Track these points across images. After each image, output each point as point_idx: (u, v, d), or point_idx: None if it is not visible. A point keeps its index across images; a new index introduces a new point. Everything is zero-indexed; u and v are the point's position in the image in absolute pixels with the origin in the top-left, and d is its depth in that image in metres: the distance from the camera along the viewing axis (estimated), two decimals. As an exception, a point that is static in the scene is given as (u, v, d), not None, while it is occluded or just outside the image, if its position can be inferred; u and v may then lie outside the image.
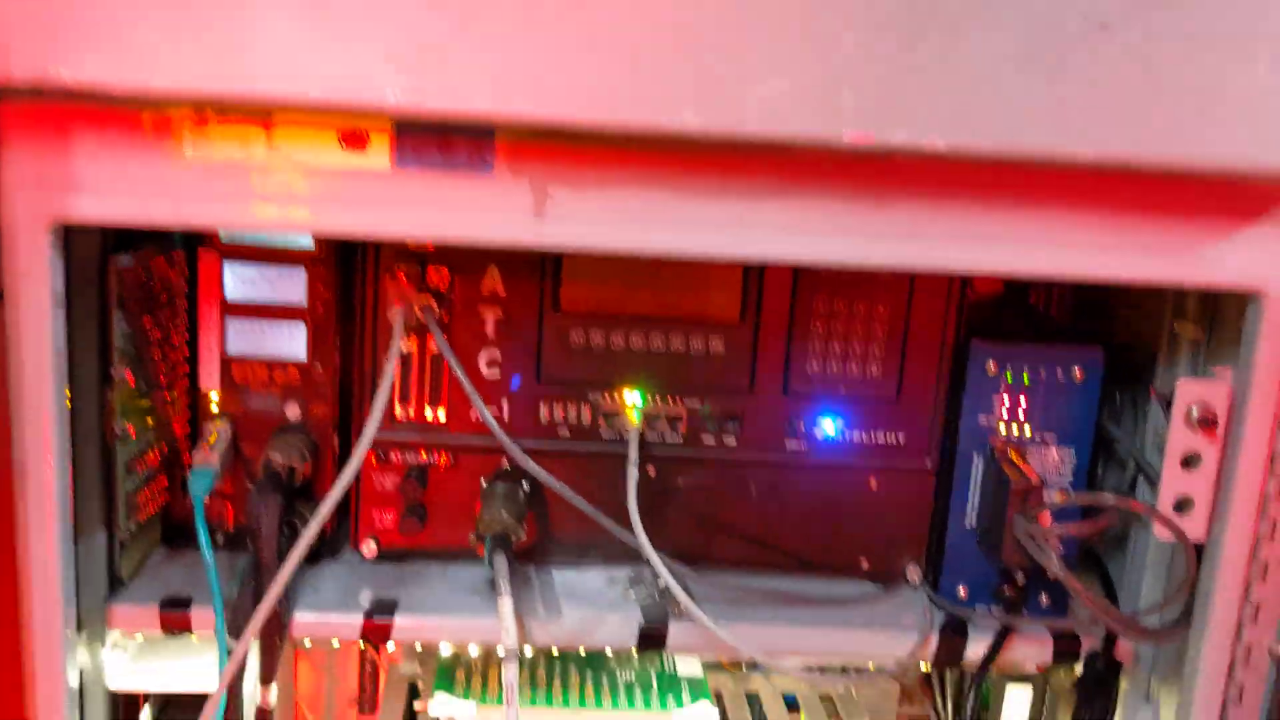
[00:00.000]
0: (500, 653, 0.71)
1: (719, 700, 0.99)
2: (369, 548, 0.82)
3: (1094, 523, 0.72)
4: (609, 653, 0.95)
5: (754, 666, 1.08)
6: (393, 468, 0.82)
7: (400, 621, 0.76)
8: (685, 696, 0.90)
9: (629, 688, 0.91)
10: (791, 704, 1.02)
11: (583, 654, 0.95)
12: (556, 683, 0.90)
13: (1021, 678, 0.89)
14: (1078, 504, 0.77)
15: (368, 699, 1.08)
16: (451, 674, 0.90)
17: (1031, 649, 0.80)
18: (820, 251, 0.67)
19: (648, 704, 0.89)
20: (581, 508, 0.78)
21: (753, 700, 1.01)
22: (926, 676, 1.09)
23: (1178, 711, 0.75)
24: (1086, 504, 0.77)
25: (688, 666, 0.95)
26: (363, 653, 1.07)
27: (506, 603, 0.72)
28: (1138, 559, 0.81)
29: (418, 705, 0.91)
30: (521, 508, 0.80)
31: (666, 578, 0.75)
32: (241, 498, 0.81)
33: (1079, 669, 0.80)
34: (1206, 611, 0.71)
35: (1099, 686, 0.78)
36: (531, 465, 0.77)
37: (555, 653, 0.94)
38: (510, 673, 0.71)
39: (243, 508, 0.81)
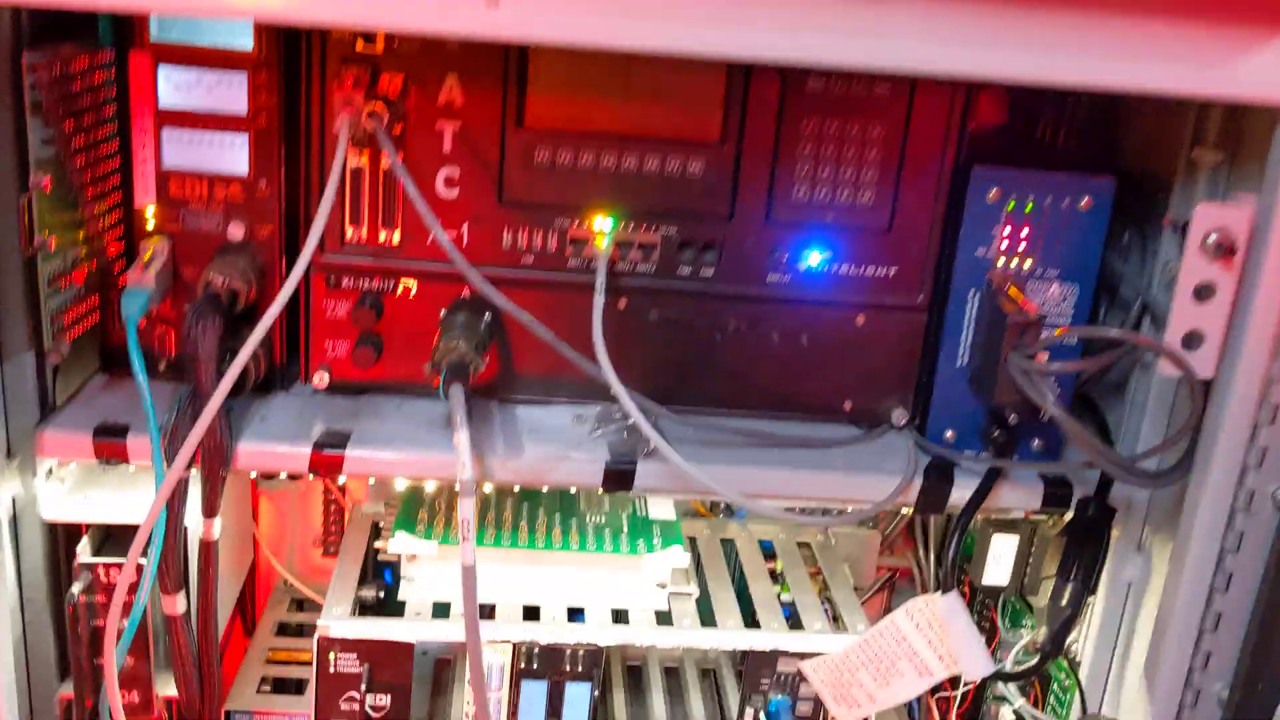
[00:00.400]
0: (458, 489, 0.67)
1: (693, 546, 0.96)
2: (320, 379, 0.77)
3: (1095, 360, 0.67)
4: (579, 497, 0.91)
5: (730, 513, 1.04)
6: (344, 294, 0.76)
7: (352, 454, 0.72)
8: (657, 540, 0.86)
9: (598, 531, 0.87)
10: (768, 551, 0.98)
11: (550, 495, 0.91)
12: (523, 525, 0.86)
13: (1007, 526, 0.85)
14: (1079, 338, 0.72)
15: (332, 541, 1.04)
16: (414, 514, 0.86)
17: (1020, 494, 0.75)
18: (813, 50, 0.60)
19: (617, 547, 0.85)
20: (544, 338, 0.72)
21: (728, 547, 0.98)
22: (909, 527, 1.06)
23: (1171, 561, 0.71)
24: (1088, 338, 0.72)
25: (661, 510, 0.91)
26: (327, 493, 1.03)
27: (462, 435, 0.67)
28: (1137, 403, 0.77)
29: (378, 545, 0.88)
30: (482, 338, 0.75)
31: (632, 412, 0.70)
32: (183, 324, 0.76)
33: (1069, 516, 0.76)
34: (1210, 455, 0.66)
35: (1090, 533, 0.74)
36: (491, 291, 0.72)
37: (522, 495, 0.91)
38: (466, 508, 0.67)
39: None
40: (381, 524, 0.94)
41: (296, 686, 0.92)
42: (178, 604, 0.71)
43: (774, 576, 0.96)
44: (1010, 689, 0.82)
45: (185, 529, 0.72)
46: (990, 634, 0.93)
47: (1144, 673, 0.72)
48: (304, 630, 1.00)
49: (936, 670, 0.71)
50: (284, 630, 1.00)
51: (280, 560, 1.04)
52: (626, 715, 0.94)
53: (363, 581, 0.87)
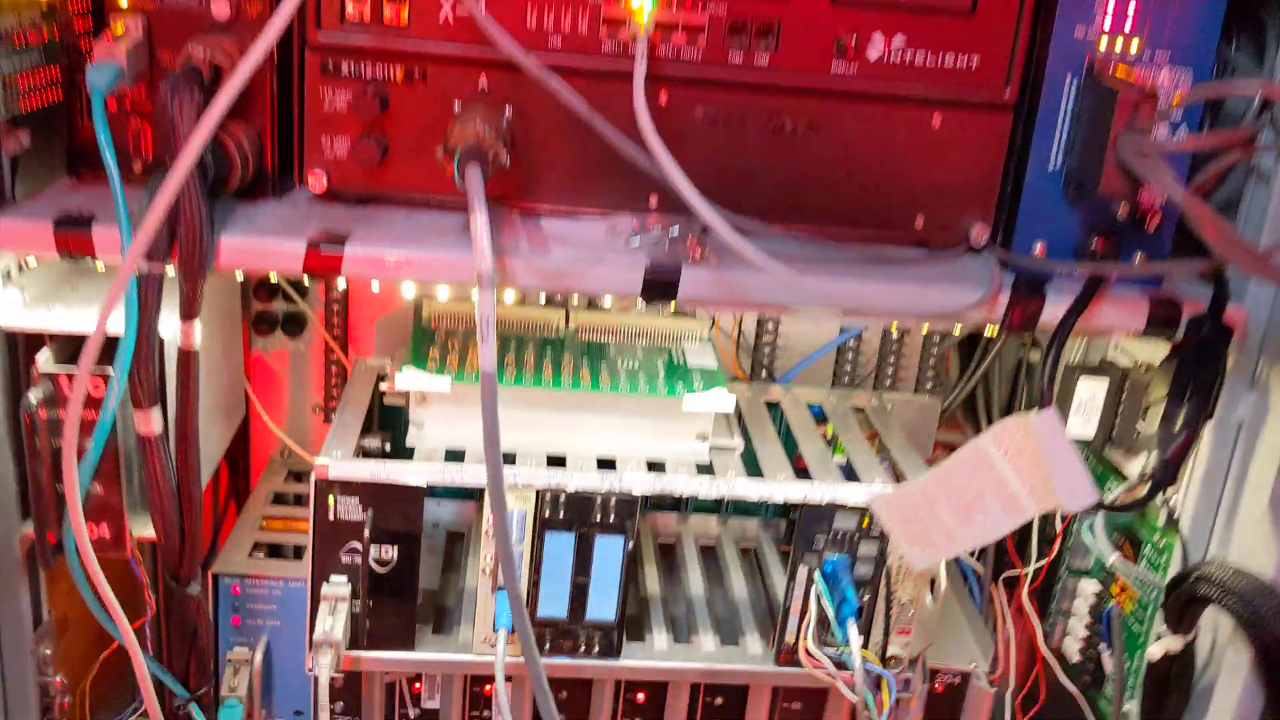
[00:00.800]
0: (475, 285, 0.58)
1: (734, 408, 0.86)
2: (317, 181, 0.67)
3: (1221, 134, 0.57)
4: (609, 346, 0.82)
5: (771, 377, 0.95)
6: (343, 82, 0.66)
7: (353, 252, 0.62)
8: (697, 385, 0.77)
9: (631, 375, 0.78)
10: (817, 417, 0.89)
11: (576, 342, 0.82)
12: (547, 366, 0.77)
13: (1096, 370, 0.75)
14: (1207, 99, 0.61)
15: (333, 407, 0.95)
16: (423, 352, 0.77)
17: (1122, 313, 0.66)
18: None
19: (653, 389, 0.76)
20: (580, 112, 0.62)
21: (773, 411, 0.88)
22: (968, 402, 0.97)
23: (1302, 381, 0.61)
24: (1220, 96, 0.61)
25: (700, 357, 0.82)
26: (328, 353, 0.94)
27: (480, 218, 0.58)
28: (1252, 220, 0.67)
29: (384, 387, 0.79)
30: (504, 131, 0.65)
31: (687, 193, 0.59)
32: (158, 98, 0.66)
33: (1175, 342, 0.66)
34: (1361, 243, 0.56)
35: (1204, 355, 0.64)
36: (522, 55, 0.62)
37: (543, 342, 0.81)
38: (485, 303, 0.57)
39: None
40: (387, 376, 0.84)
41: (294, 552, 0.83)
42: (153, 421, 0.62)
43: (825, 442, 0.86)
44: (1102, 544, 0.73)
45: (161, 340, 0.63)
46: (1067, 501, 0.83)
47: (1268, 510, 0.62)
48: (301, 501, 0.91)
49: (1028, 506, 0.61)
50: (280, 500, 0.91)
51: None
52: (660, 591, 0.85)
53: (366, 432, 0.77)
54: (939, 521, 0.63)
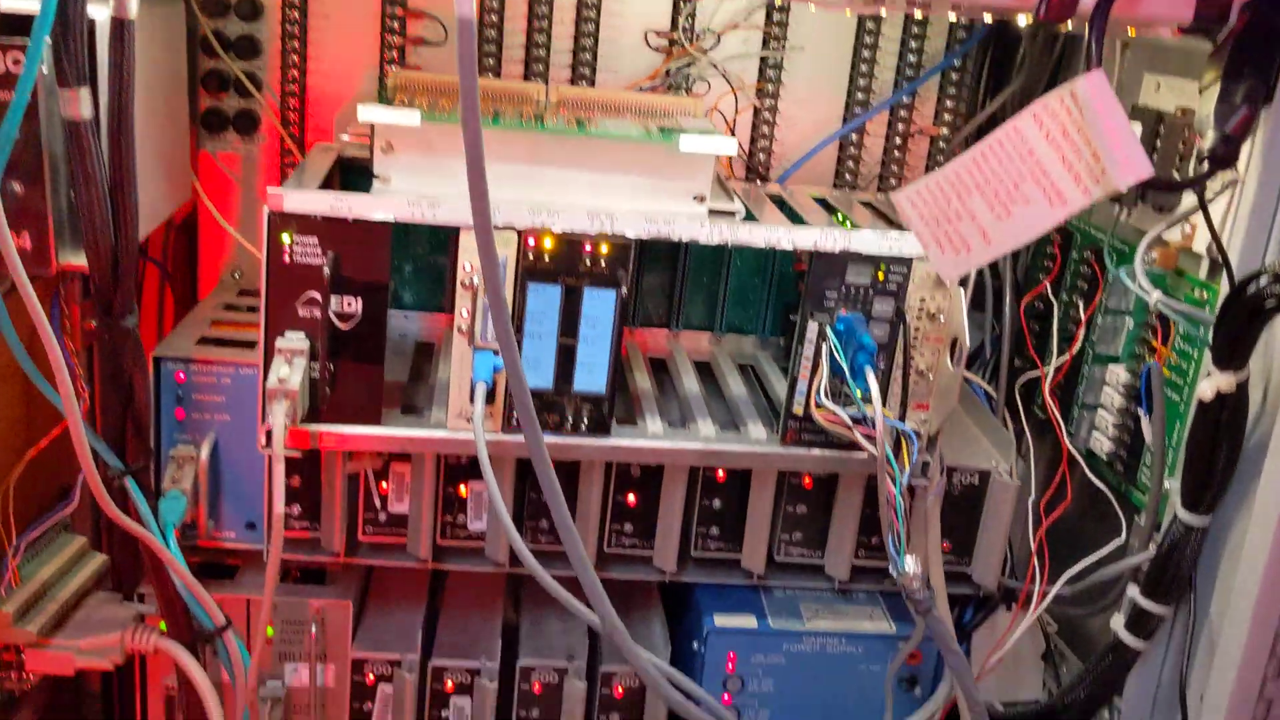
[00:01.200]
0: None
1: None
2: None
3: None
4: (591, 120, 0.75)
5: (764, 178, 0.88)
6: None
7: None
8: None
9: (621, 129, 0.71)
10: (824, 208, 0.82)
11: (560, 118, 0.75)
12: (528, 112, 0.70)
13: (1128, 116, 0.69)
14: None
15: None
16: (390, 99, 0.70)
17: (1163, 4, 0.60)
18: None
19: (646, 136, 0.69)
20: None
21: (779, 202, 0.81)
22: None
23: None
24: None
25: (695, 124, 0.75)
26: (284, 155, 0.86)
27: None
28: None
29: (344, 137, 0.71)
30: None
31: None
32: None
33: (1223, 36, 0.60)
34: None
35: (1261, 35, 0.57)
36: None
37: (519, 123, 0.74)
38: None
39: None
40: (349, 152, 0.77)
41: (249, 346, 0.75)
42: (81, 103, 0.54)
43: (830, 229, 0.79)
44: (1141, 283, 0.66)
45: (92, 21, 0.55)
46: (1090, 289, 0.77)
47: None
48: (256, 311, 0.83)
49: (1071, 197, 0.54)
50: (232, 309, 0.83)
51: (230, 248, 0.87)
52: (653, 390, 0.77)
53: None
54: (972, 217, 0.56)
